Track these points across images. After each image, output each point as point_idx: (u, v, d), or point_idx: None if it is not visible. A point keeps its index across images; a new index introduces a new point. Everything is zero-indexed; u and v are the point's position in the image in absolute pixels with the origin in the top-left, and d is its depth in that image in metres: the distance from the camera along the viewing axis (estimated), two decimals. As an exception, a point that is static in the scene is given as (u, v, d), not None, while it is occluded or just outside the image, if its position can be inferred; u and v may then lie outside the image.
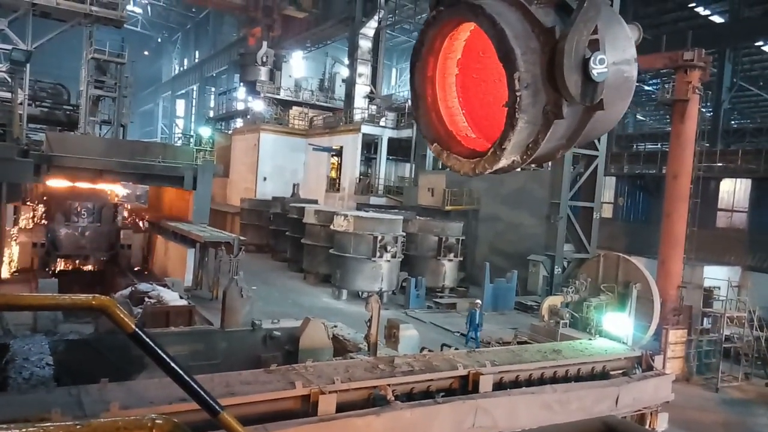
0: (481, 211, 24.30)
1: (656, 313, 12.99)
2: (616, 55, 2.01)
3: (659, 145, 30.66)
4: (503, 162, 1.99)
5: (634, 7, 30.65)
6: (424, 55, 2.19)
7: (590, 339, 8.65)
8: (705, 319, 14.68)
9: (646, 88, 36.15)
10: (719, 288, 14.99)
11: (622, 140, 33.61)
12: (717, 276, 15.58)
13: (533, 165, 2.46)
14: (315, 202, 28.14)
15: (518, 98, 1.83)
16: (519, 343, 12.22)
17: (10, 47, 22.25)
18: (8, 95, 18.27)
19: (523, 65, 1.83)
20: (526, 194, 22.62)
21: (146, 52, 70.91)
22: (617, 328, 11.99)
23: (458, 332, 15.26)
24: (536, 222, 21.10)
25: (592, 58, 1.86)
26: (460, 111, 2.26)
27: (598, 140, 19.69)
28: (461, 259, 21.39)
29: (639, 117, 42.26)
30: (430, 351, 7.82)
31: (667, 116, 16.71)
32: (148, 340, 1.76)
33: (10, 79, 20.35)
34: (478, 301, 14.46)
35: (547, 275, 19.30)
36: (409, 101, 2.60)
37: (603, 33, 1.92)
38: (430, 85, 2.23)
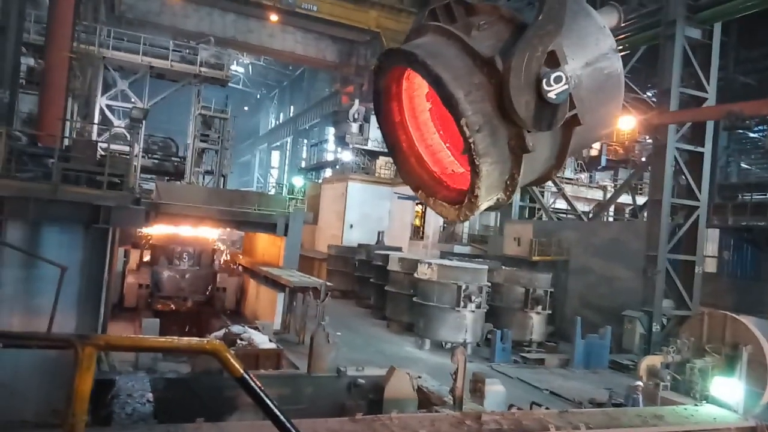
0: (571, 262, 23.42)
1: (772, 380, 11.77)
2: (588, 54, 1.74)
3: (768, 196, 28.45)
4: (485, 205, 1.83)
5: (736, 52, 29.22)
6: (385, 103, 2.04)
7: (696, 405, 8.00)
8: (831, 389, 13.09)
9: (752, 135, 33.91)
10: None
11: (726, 190, 31.44)
12: (843, 341, 13.94)
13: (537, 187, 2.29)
14: (399, 249, 28.32)
15: (472, 144, 1.65)
16: (614, 405, 11.49)
17: (130, 106, 24.80)
18: (125, 149, 20.12)
19: (469, 108, 1.64)
20: (620, 245, 21.58)
21: (246, 108, 76.11)
22: (726, 394, 10.97)
23: (547, 390, 14.57)
24: (632, 275, 20.00)
25: (545, 78, 1.61)
26: (443, 146, 2.07)
27: (699, 190, 18.63)
28: (550, 312, 20.56)
29: (743, 165, 39.51)
30: (519, 409, 7.55)
31: (778, 164, 15.61)
32: (255, 385, 1.88)
33: (128, 135, 22.50)
34: (639, 383, 11.61)
35: (644, 332, 18.11)
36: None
37: (563, 37, 1.67)
38: (402, 130, 2.07)
